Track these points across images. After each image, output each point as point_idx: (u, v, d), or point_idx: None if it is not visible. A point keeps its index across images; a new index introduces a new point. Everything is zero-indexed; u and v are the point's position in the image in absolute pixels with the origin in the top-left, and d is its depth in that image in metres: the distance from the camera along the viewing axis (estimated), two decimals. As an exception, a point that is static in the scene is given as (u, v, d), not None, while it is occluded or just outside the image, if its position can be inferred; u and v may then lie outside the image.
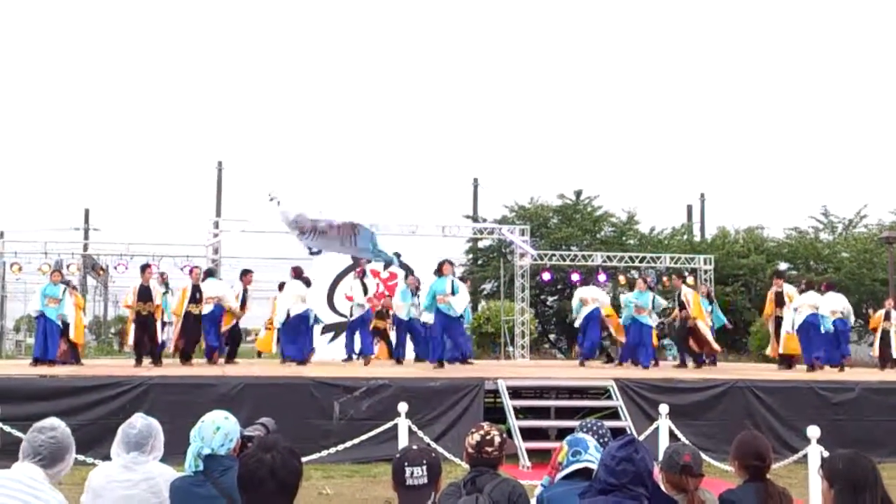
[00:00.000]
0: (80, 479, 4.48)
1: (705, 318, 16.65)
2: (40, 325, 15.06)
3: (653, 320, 16.53)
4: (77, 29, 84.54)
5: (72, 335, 15.91)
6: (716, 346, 16.98)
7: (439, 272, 14.63)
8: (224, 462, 3.98)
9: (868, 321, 30.21)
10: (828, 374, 14.62)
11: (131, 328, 15.56)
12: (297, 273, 15.99)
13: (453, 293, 14.32)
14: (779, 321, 16.22)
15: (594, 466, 3.97)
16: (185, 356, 15.01)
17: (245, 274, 16.58)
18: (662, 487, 4.15)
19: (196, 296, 15.05)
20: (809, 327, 15.92)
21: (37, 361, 14.56)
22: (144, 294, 14.76)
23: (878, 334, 18.23)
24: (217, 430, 4.07)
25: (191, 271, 16.31)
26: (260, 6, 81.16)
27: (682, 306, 16.68)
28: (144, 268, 15.37)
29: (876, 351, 18.21)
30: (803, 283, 17.50)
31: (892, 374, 15.66)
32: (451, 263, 15.16)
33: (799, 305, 16.49)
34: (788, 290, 16.18)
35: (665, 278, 23.69)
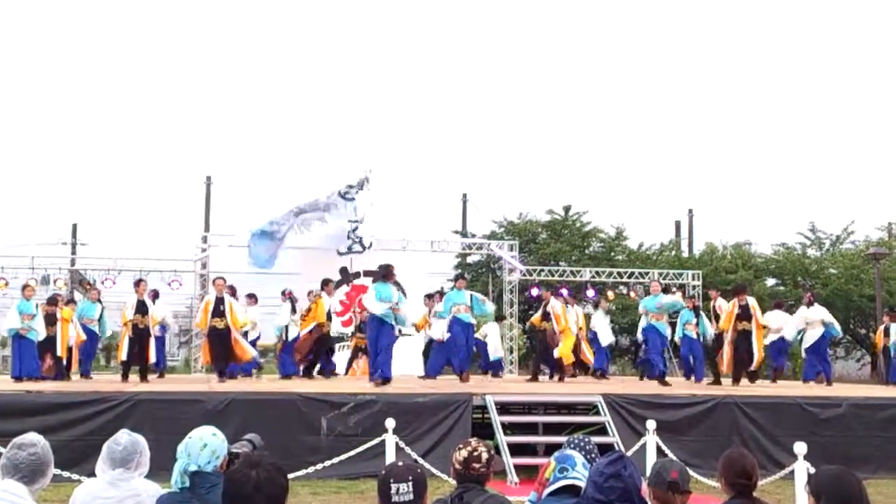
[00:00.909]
0: (64, 495, 4.46)
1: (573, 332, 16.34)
2: (15, 343, 15.02)
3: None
4: (65, 43, 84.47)
5: (58, 351, 15.84)
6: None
7: (385, 278, 14.10)
8: (211, 479, 3.95)
9: (855, 337, 30.39)
10: (815, 389, 14.65)
11: (124, 343, 15.49)
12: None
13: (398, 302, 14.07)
14: (745, 334, 15.66)
15: (581, 483, 3.97)
16: (219, 372, 14.74)
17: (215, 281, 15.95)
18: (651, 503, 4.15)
19: (219, 308, 14.65)
20: (822, 342, 16.52)
21: (18, 380, 14.45)
22: (141, 308, 14.86)
23: (880, 351, 18.31)
24: (204, 446, 4.04)
25: (214, 282, 15.83)
26: (248, 22, 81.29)
27: (546, 317, 16.45)
28: (138, 282, 15.48)
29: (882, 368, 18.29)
30: (810, 297, 17.78)
31: (882, 389, 15.72)
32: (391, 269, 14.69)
33: (811, 321, 16.76)
34: (753, 303, 15.89)
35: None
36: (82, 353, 16.99)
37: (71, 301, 17.52)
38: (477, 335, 17.64)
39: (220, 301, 14.69)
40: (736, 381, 15.67)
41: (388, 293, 13.71)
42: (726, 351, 15.83)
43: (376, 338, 13.80)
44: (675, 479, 4.20)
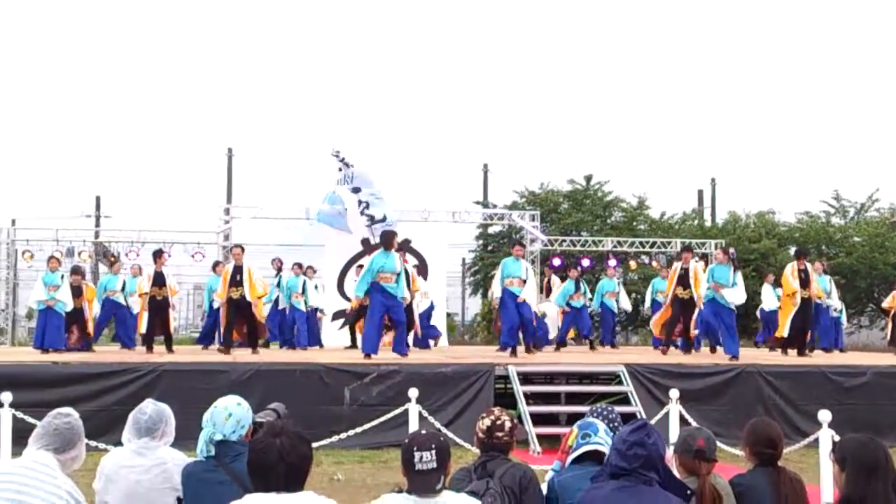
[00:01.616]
0: (92, 465, 4.50)
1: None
2: (41, 314, 15.15)
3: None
4: (88, 18, 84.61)
5: (87, 325, 16.03)
6: None
7: (386, 247, 13.50)
8: (236, 448, 3.99)
9: (879, 306, 30.19)
10: (839, 358, 14.56)
11: (144, 316, 15.64)
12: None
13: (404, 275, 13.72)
14: (806, 303, 15.04)
15: (604, 449, 3.98)
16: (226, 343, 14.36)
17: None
18: (675, 472, 4.15)
19: (237, 278, 14.27)
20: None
21: (44, 350, 14.61)
22: (159, 279, 15.04)
23: (890, 317, 18.17)
24: (229, 416, 4.08)
25: (231, 250, 15.51)
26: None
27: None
28: (158, 254, 15.62)
29: (889, 334, 18.13)
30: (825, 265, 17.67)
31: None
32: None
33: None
34: (811, 268, 15.32)
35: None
36: (118, 327, 17.08)
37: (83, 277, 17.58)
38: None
39: (237, 270, 14.35)
40: (801, 352, 15.10)
41: (391, 264, 13.26)
42: (785, 321, 15.20)
43: (379, 313, 13.29)
44: (702, 447, 4.20)
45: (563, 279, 18.84)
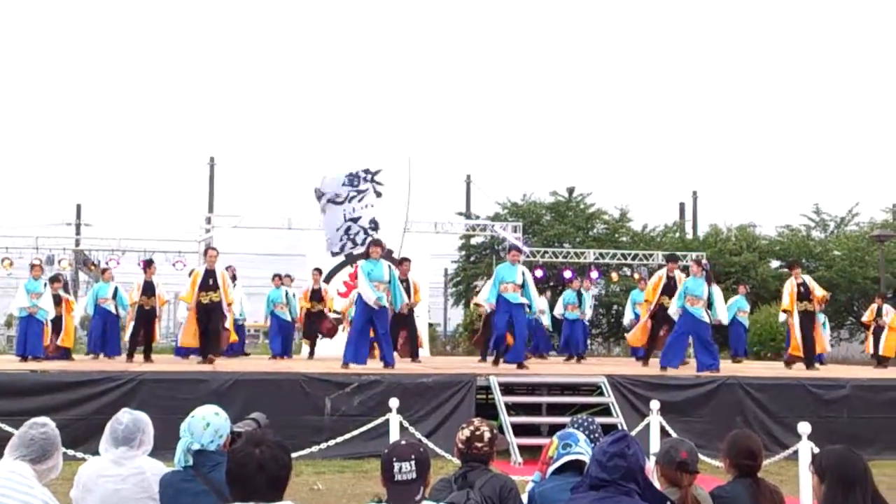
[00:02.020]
0: (69, 474, 4.46)
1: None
2: (23, 322, 15.07)
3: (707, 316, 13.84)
4: (69, 25, 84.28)
5: (59, 340, 15.93)
6: None
7: (368, 254, 13.41)
8: (214, 457, 3.96)
9: (859, 319, 30.39)
10: (819, 370, 14.62)
11: (130, 325, 15.59)
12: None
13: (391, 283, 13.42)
14: (808, 315, 15.02)
15: (585, 459, 3.97)
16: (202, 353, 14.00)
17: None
18: (656, 482, 4.15)
19: (208, 282, 13.77)
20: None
21: (23, 358, 14.53)
22: (148, 289, 14.97)
23: (871, 330, 18.27)
24: (207, 425, 4.05)
25: (206, 252, 15.17)
26: (252, 5, 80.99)
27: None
28: (148, 263, 15.66)
29: (870, 348, 18.22)
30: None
31: (885, 371, 15.69)
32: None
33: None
34: (810, 280, 15.29)
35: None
36: (109, 334, 16.93)
37: (66, 285, 17.47)
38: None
39: (210, 274, 13.82)
40: (809, 365, 14.98)
41: (378, 272, 13.10)
42: (796, 334, 15.08)
43: (363, 323, 13.08)
44: (685, 459, 4.21)
45: (541, 291, 18.74)
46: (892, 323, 17.98)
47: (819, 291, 15.16)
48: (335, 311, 17.57)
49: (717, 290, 14.11)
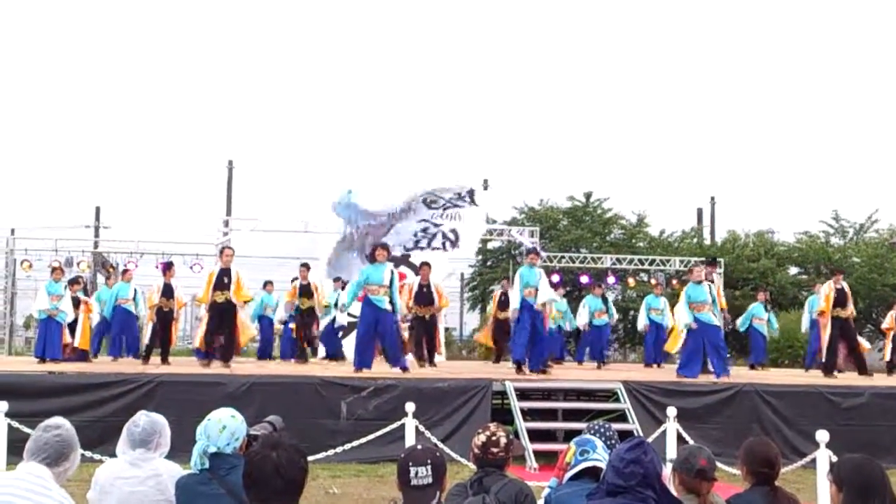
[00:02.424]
0: (87, 475, 4.48)
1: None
2: (42, 323, 15.17)
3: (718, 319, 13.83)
4: (89, 27, 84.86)
5: (76, 342, 16.02)
6: None
7: (372, 259, 13.51)
8: (230, 460, 3.97)
9: (878, 327, 30.17)
10: (837, 378, 14.53)
11: (149, 327, 15.70)
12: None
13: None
14: (843, 322, 14.87)
15: (602, 465, 3.96)
16: (207, 353, 13.88)
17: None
18: (673, 489, 4.14)
19: (223, 280, 13.48)
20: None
21: (42, 360, 14.63)
22: (167, 291, 15.15)
23: (890, 337, 18.07)
24: (223, 428, 4.05)
25: (221, 251, 14.73)
26: (272, 7, 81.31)
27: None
28: (168, 266, 15.80)
29: (887, 355, 18.03)
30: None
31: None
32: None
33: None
34: (847, 287, 15.13)
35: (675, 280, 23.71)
36: (127, 335, 16.98)
37: (85, 287, 17.53)
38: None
39: (224, 272, 13.54)
40: (863, 372, 14.96)
41: (377, 276, 13.02)
42: (826, 341, 14.92)
43: (367, 327, 13.07)
44: (705, 467, 4.19)
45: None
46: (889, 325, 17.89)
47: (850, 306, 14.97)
48: (327, 306, 17.43)
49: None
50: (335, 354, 17.41)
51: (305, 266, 16.78)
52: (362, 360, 12.92)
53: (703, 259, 17.69)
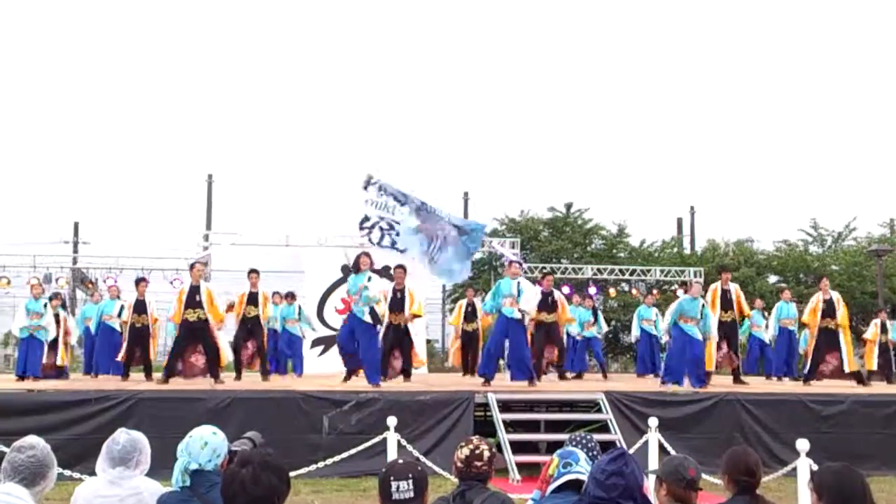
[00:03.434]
0: (66, 494, 4.45)
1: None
2: (23, 342, 15.06)
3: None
4: (65, 41, 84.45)
5: (58, 360, 15.92)
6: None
7: (356, 268, 13.29)
8: (211, 477, 3.95)
9: (857, 334, 30.38)
10: (817, 387, 14.61)
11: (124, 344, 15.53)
12: None
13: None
14: (830, 333, 14.89)
15: (584, 478, 3.96)
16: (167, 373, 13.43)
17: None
18: (656, 500, 4.15)
19: (195, 298, 13.24)
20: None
21: (21, 378, 14.53)
22: (140, 307, 14.87)
23: (877, 347, 18.13)
24: (205, 445, 4.04)
25: (191, 268, 14.35)
26: (249, 20, 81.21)
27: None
28: (139, 281, 15.54)
29: (873, 364, 18.04)
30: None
31: (884, 387, 15.66)
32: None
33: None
34: (838, 297, 15.15)
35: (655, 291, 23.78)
36: (109, 352, 16.74)
37: (63, 303, 17.37)
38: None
39: (195, 290, 13.22)
40: (806, 380, 14.95)
41: (353, 285, 13.03)
42: (809, 352, 15.04)
43: (347, 339, 13.08)
44: (694, 478, 4.20)
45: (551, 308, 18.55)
46: (872, 336, 18.03)
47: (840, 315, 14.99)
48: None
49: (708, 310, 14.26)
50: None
51: (255, 272, 15.63)
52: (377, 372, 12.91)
53: (685, 278, 17.83)
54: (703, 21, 78.77)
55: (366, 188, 16.47)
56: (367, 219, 16.50)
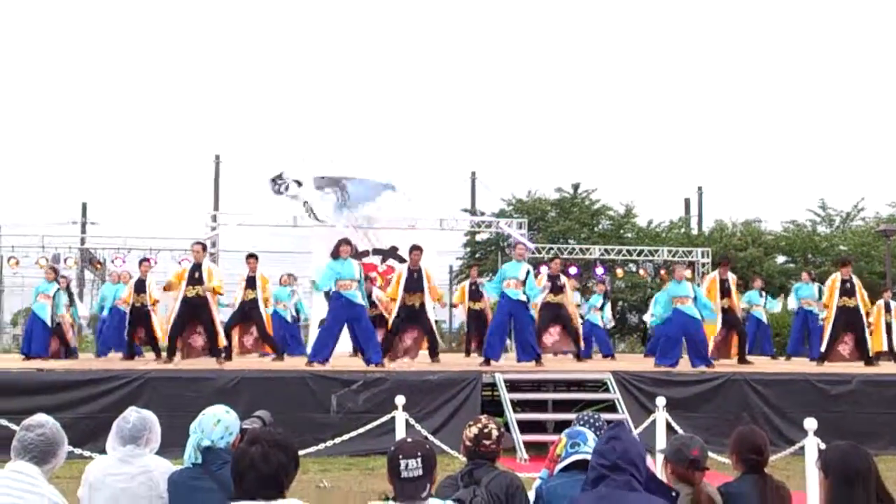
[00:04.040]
0: (77, 472, 4.47)
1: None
2: (29, 321, 15.13)
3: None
4: (73, 23, 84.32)
5: (71, 342, 16.03)
6: None
7: (335, 254, 13.14)
8: (223, 455, 3.98)
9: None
10: (825, 366, 14.60)
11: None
12: None
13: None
14: (848, 311, 14.91)
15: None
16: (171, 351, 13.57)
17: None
18: (664, 478, 4.17)
19: (195, 275, 13.27)
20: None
21: (27, 357, 14.60)
22: (140, 287, 14.80)
23: (882, 327, 18.12)
24: (217, 422, 4.09)
25: (192, 247, 14.51)
26: (255, 1, 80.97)
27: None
28: (142, 261, 15.49)
29: (884, 344, 18.01)
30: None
31: (892, 367, 15.65)
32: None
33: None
34: (857, 280, 15.25)
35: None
36: (118, 334, 16.77)
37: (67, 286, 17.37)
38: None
39: (196, 267, 13.31)
40: (868, 363, 14.86)
41: (349, 270, 12.82)
42: (827, 331, 15.03)
43: (337, 322, 12.91)
44: (697, 457, 4.23)
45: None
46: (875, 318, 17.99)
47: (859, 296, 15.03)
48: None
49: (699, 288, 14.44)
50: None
51: (254, 257, 15.33)
52: (320, 353, 12.67)
53: (692, 259, 17.89)
54: (710, 1, 78.33)
55: (279, 191, 17.12)
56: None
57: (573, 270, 22.40)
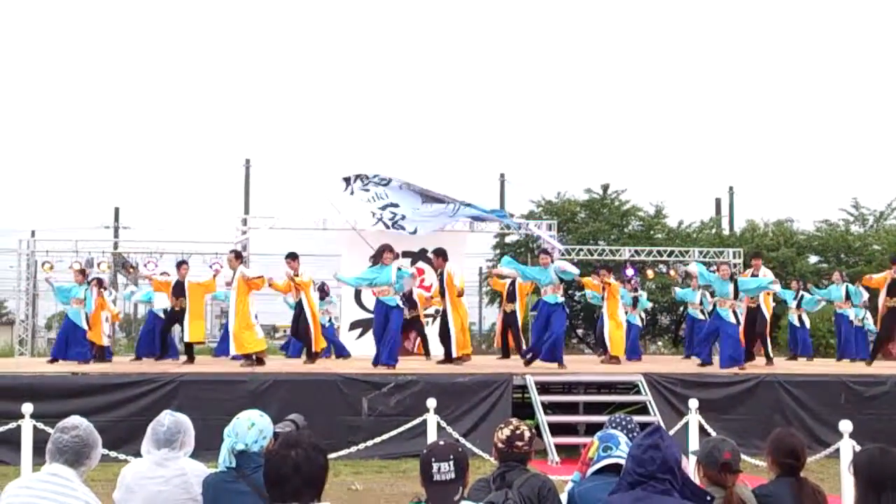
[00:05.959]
0: (112, 475, 4.53)
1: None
2: (63, 326, 15.30)
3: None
4: (107, 28, 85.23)
5: (104, 340, 16.13)
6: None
7: (376, 259, 13.86)
8: (257, 459, 4.00)
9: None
10: (858, 367, 14.46)
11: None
12: None
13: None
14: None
15: (624, 462, 3.96)
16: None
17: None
18: (697, 481, 4.14)
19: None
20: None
21: (53, 360, 14.70)
22: (178, 290, 14.98)
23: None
24: (252, 426, 4.11)
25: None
26: (287, 5, 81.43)
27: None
28: (180, 264, 15.66)
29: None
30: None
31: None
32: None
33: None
34: None
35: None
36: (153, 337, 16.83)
37: (101, 285, 17.48)
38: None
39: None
40: (871, 358, 15.13)
41: (385, 278, 13.17)
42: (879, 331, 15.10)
43: (384, 323, 13.24)
44: (729, 460, 4.18)
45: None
46: None
47: None
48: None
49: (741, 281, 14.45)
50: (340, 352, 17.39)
51: (294, 257, 15.78)
52: (390, 356, 12.96)
53: (724, 259, 17.83)
54: (742, 1, 77.75)
55: (351, 192, 17.07)
56: (371, 214, 17.01)
57: (630, 272, 22.11)
